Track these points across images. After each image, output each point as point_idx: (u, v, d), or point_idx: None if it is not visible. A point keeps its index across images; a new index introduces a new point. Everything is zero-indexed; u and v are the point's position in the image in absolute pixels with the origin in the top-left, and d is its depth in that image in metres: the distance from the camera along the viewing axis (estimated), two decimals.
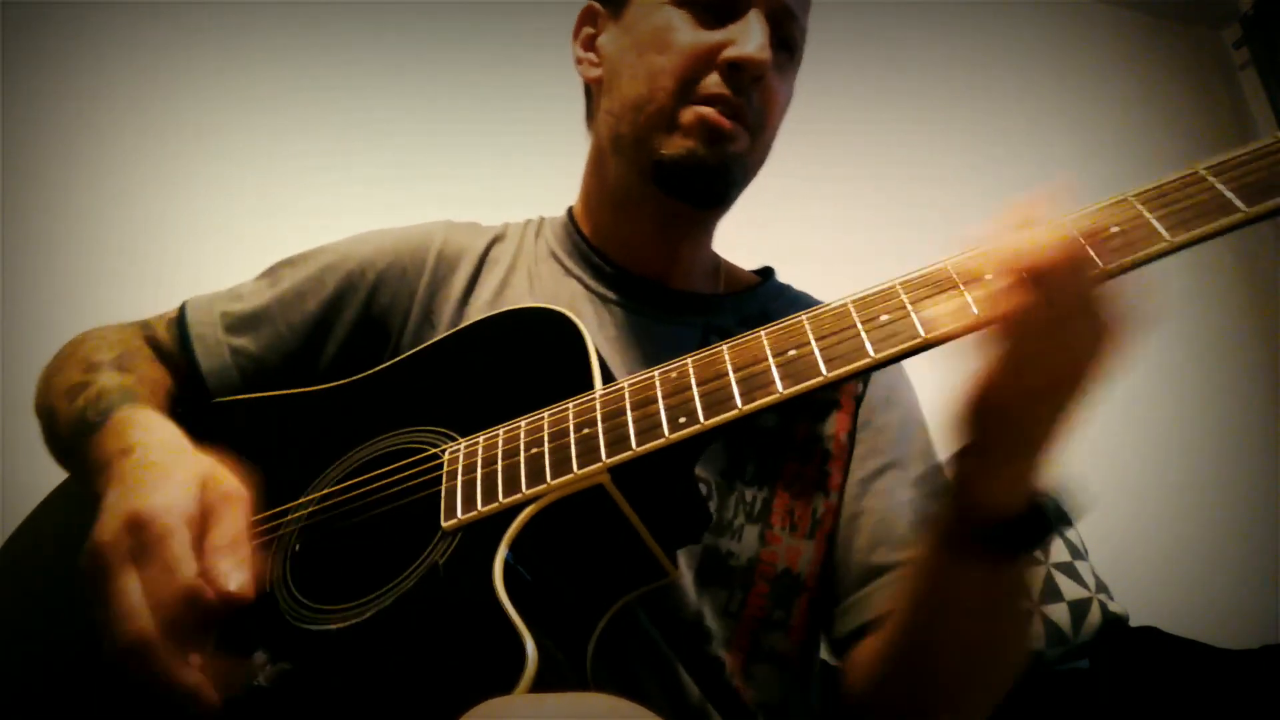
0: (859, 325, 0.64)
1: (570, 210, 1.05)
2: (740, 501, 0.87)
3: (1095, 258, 0.57)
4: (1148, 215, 0.58)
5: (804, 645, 0.90)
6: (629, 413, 0.68)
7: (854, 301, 0.66)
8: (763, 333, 0.69)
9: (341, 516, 0.76)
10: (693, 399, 0.67)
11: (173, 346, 0.95)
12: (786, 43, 0.92)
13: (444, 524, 0.69)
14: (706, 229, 1.02)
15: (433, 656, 0.63)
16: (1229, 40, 3.34)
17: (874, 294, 0.65)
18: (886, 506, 0.91)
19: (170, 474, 0.68)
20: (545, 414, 0.72)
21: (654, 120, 0.88)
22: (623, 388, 0.71)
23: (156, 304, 1.01)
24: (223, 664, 0.62)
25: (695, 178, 0.88)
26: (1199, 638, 2.00)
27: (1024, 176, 2.56)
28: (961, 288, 0.61)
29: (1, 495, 1.19)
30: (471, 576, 0.64)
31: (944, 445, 0.67)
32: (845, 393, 0.95)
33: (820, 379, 0.63)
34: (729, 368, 0.67)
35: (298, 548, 0.76)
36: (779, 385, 0.64)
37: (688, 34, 0.88)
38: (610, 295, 0.96)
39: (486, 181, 2.08)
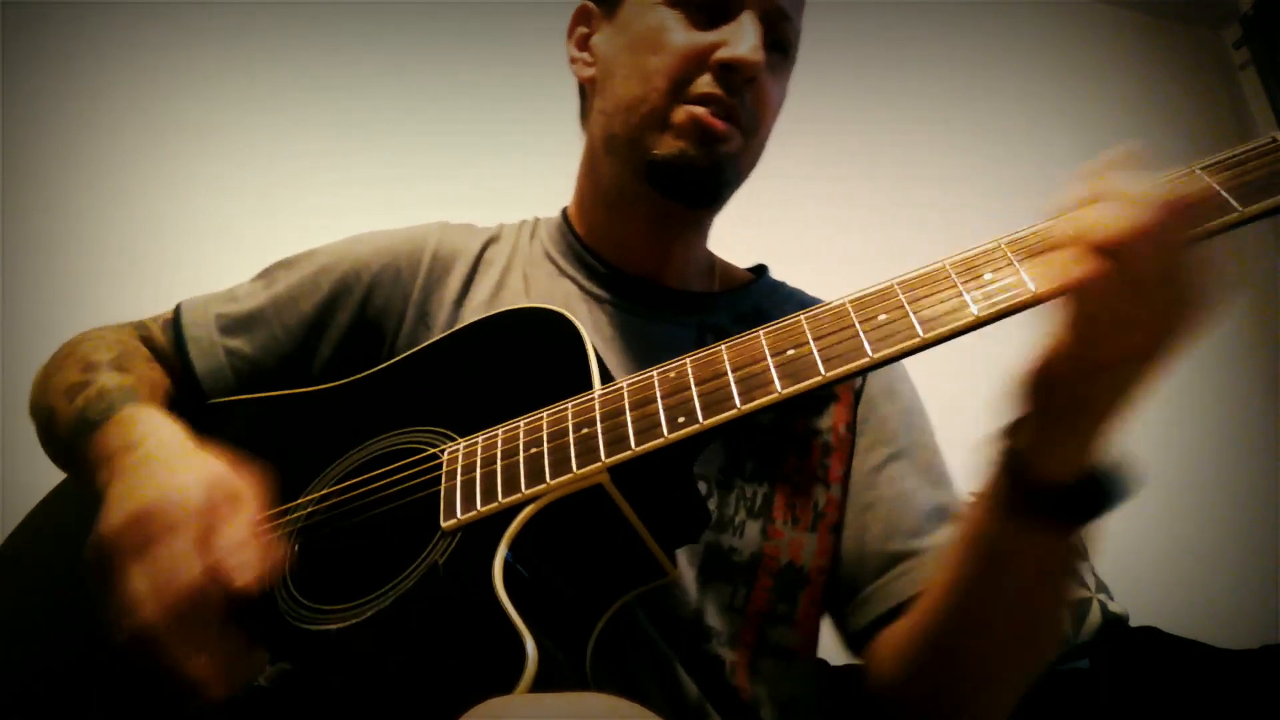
0: (857, 325, 0.64)
1: (565, 210, 1.05)
2: (741, 498, 0.87)
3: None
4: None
5: (808, 639, 0.91)
6: (628, 412, 0.68)
7: (852, 301, 0.66)
8: (761, 332, 0.69)
9: (341, 517, 0.76)
10: (691, 399, 0.67)
11: (168, 348, 0.95)
12: (780, 44, 0.92)
13: (443, 524, 0.69)
14: (700, 228, 1.02)
15: (432, 657, 0.63)
16: (1229, 40, 3.34)
17: (872, 293, 0.66)
18: (898, 494, 0.91)
19: (176, 469, 0.68)
20: (544, 414, 0.72)
21: (647, 120, 0.88)
22: (621, 388, 0.71)
23: (156, 304, 1.01)
24: (228, 657, 0.62)
25: (687, 178, 0.89)
26: (1199, 638, 1.99)
27: (1023, 176, 2.56)
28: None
29: (1, 495, 1.19)
30: (471, 576, 0.64)
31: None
32: (843, 386, 0.95)
33: (819, 378, 0.63)
34: (728, 367, 0.68)
35: (297, 548, 0.76)
36: (778, 385, 0.64)
37: (681, 34, 0.88)
38: (604, 295, 0.96)
39: (485, 181, 2.08)
